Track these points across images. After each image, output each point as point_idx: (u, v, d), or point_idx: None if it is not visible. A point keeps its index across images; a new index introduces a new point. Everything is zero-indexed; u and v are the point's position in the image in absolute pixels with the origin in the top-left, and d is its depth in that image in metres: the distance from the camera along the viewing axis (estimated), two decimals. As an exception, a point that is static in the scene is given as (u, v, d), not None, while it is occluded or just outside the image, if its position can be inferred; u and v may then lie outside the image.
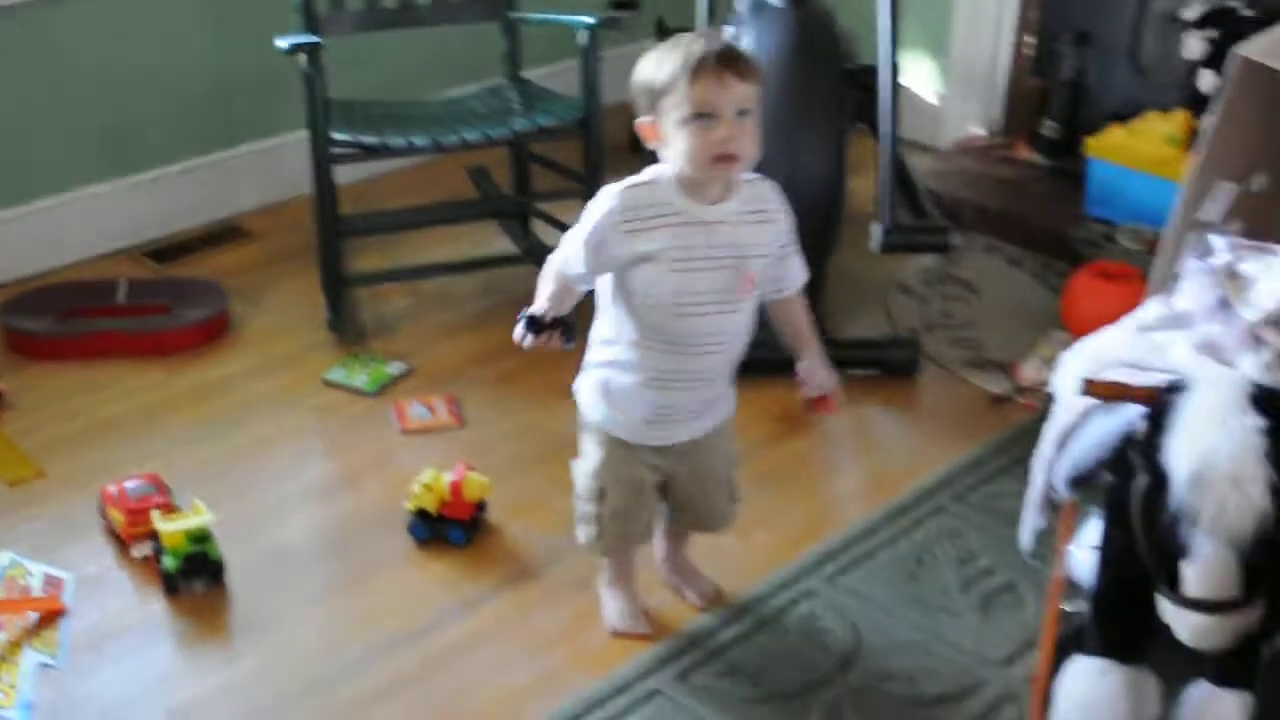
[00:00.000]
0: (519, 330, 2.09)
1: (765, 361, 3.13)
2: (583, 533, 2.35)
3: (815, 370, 2.28)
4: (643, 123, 2.06)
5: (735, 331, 2.17)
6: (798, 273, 2.24)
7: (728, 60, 1.98)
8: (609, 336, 2.18)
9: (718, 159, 2.00)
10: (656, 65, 2.01)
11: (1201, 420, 1.73)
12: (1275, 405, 1.76)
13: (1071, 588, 2.20)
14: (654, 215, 2.05)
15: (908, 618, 2.45)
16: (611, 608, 2.44)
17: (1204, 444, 1.71)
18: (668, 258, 2.06)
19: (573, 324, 2.11)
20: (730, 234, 2.08)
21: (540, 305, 2.11)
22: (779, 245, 2.17)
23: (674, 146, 2.02)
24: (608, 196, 2.07)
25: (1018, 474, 2.69)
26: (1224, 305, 2.06)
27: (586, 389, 2.26)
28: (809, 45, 3.10)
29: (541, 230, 3.66)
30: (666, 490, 2.33)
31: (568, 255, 2.12)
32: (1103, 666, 1.95)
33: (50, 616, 2.46)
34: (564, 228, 2.23)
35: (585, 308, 2.20)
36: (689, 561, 2.53)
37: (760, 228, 2.12)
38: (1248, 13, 3.45)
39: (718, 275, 2.09)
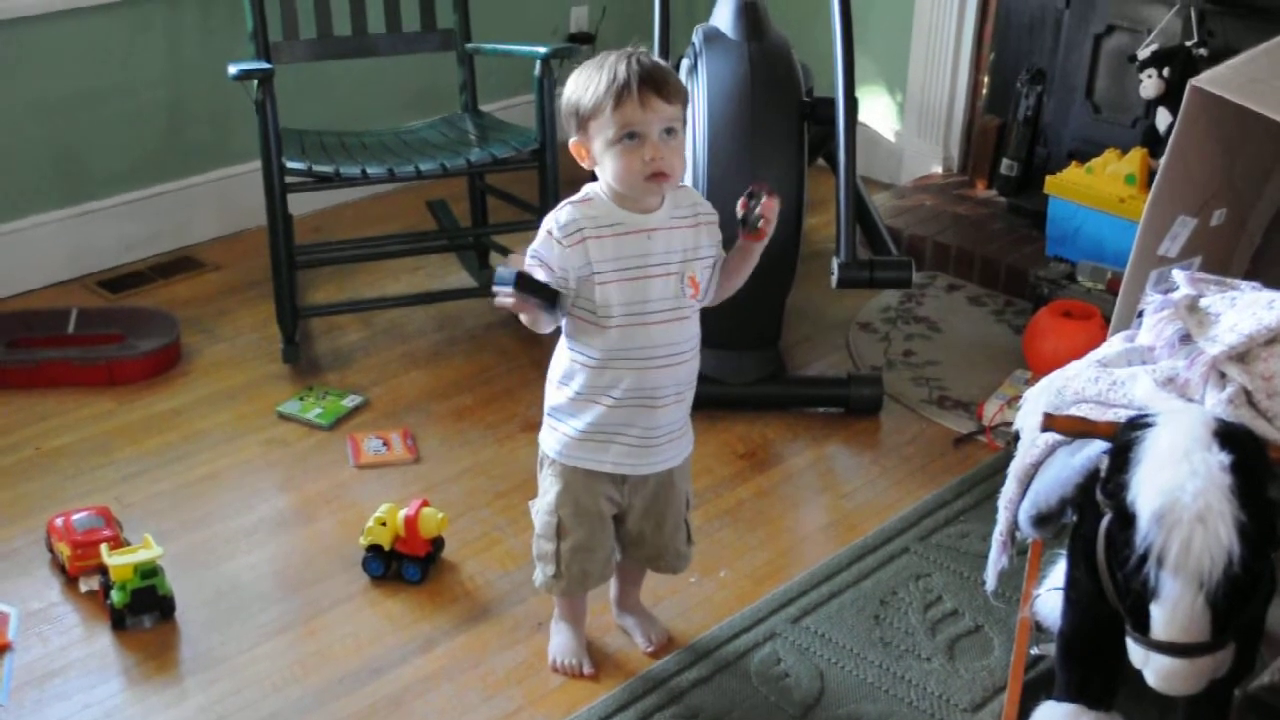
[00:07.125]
0: (499, 286, 1.98)
1: (722, 397, 3.15)
2: (540, 573, 2.31)
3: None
4: (573, 143, 2.11)
5: (690, 340, 2.18)
6: None
7: (651, 82, 2.01)
8: (568, 370, 2.17)
9: (650, 177, 2.04)
10: (583, 87, 2.05)
11: (1165, 456, 1.71)
12: (1239, 441, 1.74)
13: (1039, 630, 2.18)
14: (593, 229, 2.08)
15: (873, 661, 2.40)
16: (556, 642, 2.41)
17: (1168, 480, 1.69)
18: (618, 267, 2.08)
19: (559, 294, 2.05)
20: (667, 240, 2.12)
21: (529, 265, 2.06)
22: (716, 243, 2.19)
23: (605, 167, 2.07)
24: (547, 221, 2.11)
25: (982, 514, 2.68)
26: (1185, 340, 2.05)
27: (548, 427, 2.24)
28: (766, 78, 3.08)
29: (498, 264, 3.63)
30: (619, 525, 2.30)
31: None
32: (1071, 712, 1.92)
33: (-7, 653, 2.40)
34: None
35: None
36: (640, 604, 2.49)
37: (694, 230, 2.15)
38: (1201, 51, 3.47)
39: (667, 282, 2.12)
